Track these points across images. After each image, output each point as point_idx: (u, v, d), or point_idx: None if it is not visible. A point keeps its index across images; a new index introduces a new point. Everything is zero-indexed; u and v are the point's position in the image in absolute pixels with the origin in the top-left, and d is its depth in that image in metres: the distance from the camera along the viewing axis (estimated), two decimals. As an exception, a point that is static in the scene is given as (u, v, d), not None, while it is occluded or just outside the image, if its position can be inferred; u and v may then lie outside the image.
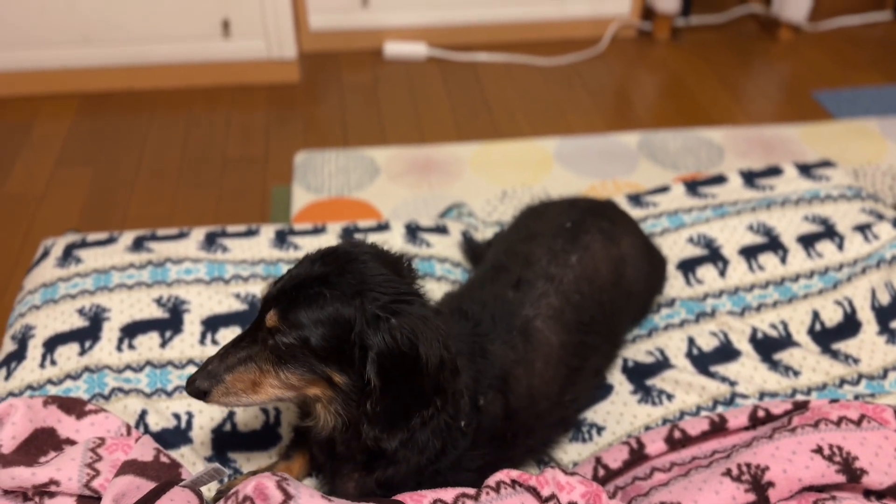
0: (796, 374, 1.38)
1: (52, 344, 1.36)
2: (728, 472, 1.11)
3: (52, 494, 1.07)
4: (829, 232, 1.64)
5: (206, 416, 1.28)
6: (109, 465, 1.07)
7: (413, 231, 1.67)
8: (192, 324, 1.40)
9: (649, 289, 1.48)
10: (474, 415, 1.13)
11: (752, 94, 2.88)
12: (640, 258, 1.43)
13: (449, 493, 1.03)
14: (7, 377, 1.33)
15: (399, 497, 1.01)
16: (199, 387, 1.01)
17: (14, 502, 1.10)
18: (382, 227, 1.69)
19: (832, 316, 1.47)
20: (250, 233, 1.64)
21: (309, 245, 1.60)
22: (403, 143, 2.54)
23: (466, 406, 1.11)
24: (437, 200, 2.24)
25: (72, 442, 1.18)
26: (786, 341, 1.43)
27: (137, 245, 1.57)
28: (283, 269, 1.53)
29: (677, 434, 1.23)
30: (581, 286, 1.32)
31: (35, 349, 1.36)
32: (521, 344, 1.24)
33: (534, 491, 1.05)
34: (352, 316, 0.96)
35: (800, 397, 1.34)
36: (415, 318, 0.97)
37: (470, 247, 1.68)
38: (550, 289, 1.30)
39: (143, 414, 1.27)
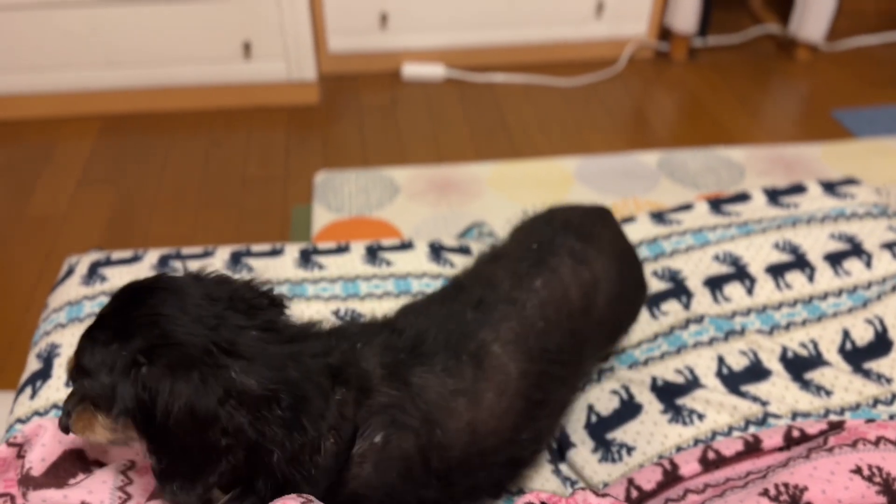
0: (828, 393, 1.35)
1: (77, 362, 1.36)
2: (765, 493, 1.09)
3: None
4: (856, 250, 1.62)
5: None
6: (141, 489, 1.06)
7: (437, 250, 1.67)
8: (217, 342, 1.39)
9: (618, 318, 1.38)
10: (334, 458, 0.95)
11: (772, 114, 2.88)
12: (613, 283, 1.32)
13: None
14: (33, 396, 1.33)
15: None
16: (61, 422, 0.98)
17: None
18: (406, 245, 1.69)
19: (863, 335, 1.45)
20: (275, 252, 1.64)
21: (333, 264, 1.60)
22: (422, 162, 2.55)
23: (327, 448, 0.93)
24: (457, 219, 2.24)
25: (100, 464, 1.18)
26: (816, 360, 1.41)
27: (162, 264, 1.57)
28: (309, 289, 1.53)
29: (711, 455, 1.21)
30: (546, 312, 1.20)
31: (60, 368, 1.36)
32: (470, 371, 1.09)
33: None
34: (116, 360, 0.85)
35: (833, 417, 1.31)
36: (173, 364, 0.82)
37: None
38: (512, 312, 1.17)
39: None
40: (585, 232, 1.35)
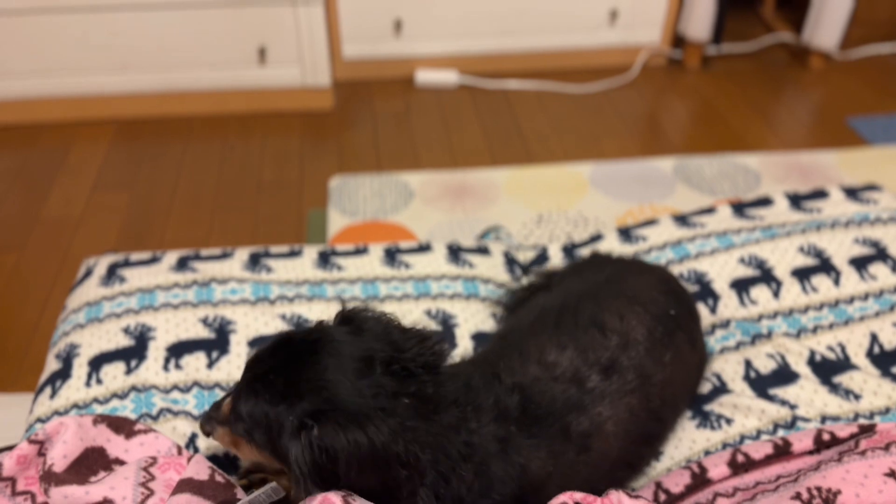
0: (857, 397, 1.34)
1: (97, 363, 1.35)
2: (798, 496, 1.07)
3: None
4: (881, 255, 1.60)
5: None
6: (163, 485, 1.05)
7: (455, 252, 1.66)
8: (238, 345, 1.38)
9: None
10: None
11: (786, 121, 2.87)
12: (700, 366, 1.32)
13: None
14: (53, 395, 1.32)
15: None
16: (204, 429, 1.06)
17: None
18: (424, 248, 1.68)
19: (891, 339, 1.43)
20: (293, 254, 1.63)
21: (352, 266, 1.59)
22: (437, 168, 2.54)
23: None
24: (473, 224, 2.23)
25: (121, 462, 1.16)
26: (845, 364, 1.39)
27: (181, 265, 1.56)
28: (328, 290, 1.52)
29: (740, 458, 1.19)
30: (665, 392, 1.18)
31: (80, 368, 1.35)
32: (573, 453, 1.07)
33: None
34: (281, 419, 0.91)
35: (863, 421, 1.29)
36: (341, 422, 0.86)
37: (513, 297, 1.53)
38: (638, 387, 1.13)
39: (193, 437, 1.24)
40: (693, 311, 1.34)
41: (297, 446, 0.87)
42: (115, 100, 2.77)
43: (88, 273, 1.60)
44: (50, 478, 1.06)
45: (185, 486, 1.02)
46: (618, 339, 1.18)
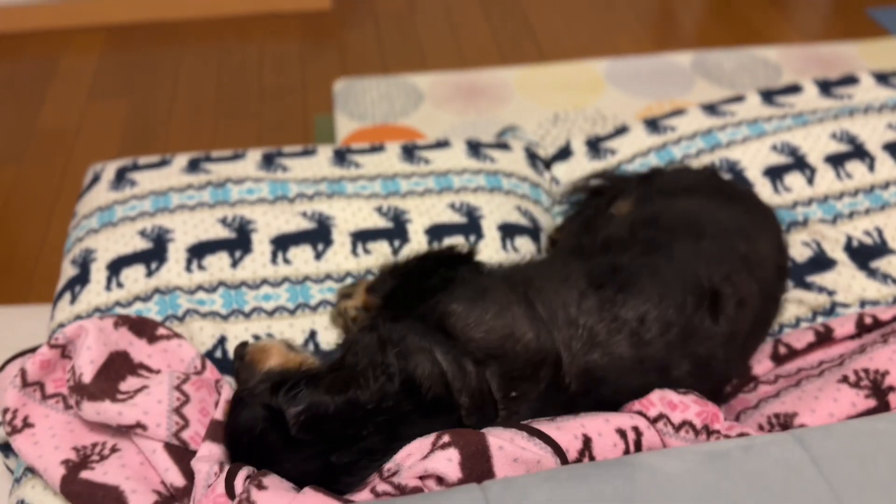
0: (895, 282, 1.31)
1: (116, 266, 1.31)
2: (845, 379, 1.05)
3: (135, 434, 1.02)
4: (915, 139, 1.55)
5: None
6: (197, 411, 1.02)
7: (475, 147, 1.60)
8: (261, 243, 1.34)
9: None
10: None
11: (804, 12, 2.76)
12: None
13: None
14: (73, 301, 1.28)
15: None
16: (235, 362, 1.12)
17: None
18: (442, 144, 1.61)
19: (929, 223, 1.40)
20: (307, 153, 1.57)
21: (370, 163, 1.53)
22: (445, 69, 2.45)
23: None
24: (487, 125, 2.16)
25: (146, 367, 1.13)
26: (882, 249, 1.36)
27: (193, 166, 1.50)
28: (348, 187, 1.47)
29: (782, 350, 1.17)
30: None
31: (99, 272, 1.31)
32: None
33: (640, 414, 0.99)
34: None
35: (902, 305, 1.27)
36: None
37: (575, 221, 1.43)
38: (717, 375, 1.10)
39: (223, 340, 1.22)
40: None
41: None
42: (103, 4, 2.63)
43: (96, 179, 1.54)
44: (81, 391, 1.03)
45: (219, 430, 1.00)
46: (727, 329, 1.07)
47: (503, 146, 1.63)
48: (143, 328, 1.17)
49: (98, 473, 0.99)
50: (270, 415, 0.93)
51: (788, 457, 0.68)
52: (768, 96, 1.69)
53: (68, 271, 1.36)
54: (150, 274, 1.29)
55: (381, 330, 1.01)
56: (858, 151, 1.52)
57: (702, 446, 0.73)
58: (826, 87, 1.73)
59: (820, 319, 1.26)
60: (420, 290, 1.11)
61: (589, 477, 0.67)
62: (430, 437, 0.90)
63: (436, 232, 1.39)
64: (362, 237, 1.37)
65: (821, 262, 1.34)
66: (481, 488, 0.69)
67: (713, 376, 1.09)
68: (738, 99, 1.69)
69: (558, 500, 0.64)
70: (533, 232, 1.43)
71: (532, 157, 1.63)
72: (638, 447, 0.95)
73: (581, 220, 1.42)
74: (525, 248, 1.39)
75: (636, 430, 0.96)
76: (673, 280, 1.07)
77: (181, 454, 1.01)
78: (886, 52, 2.45)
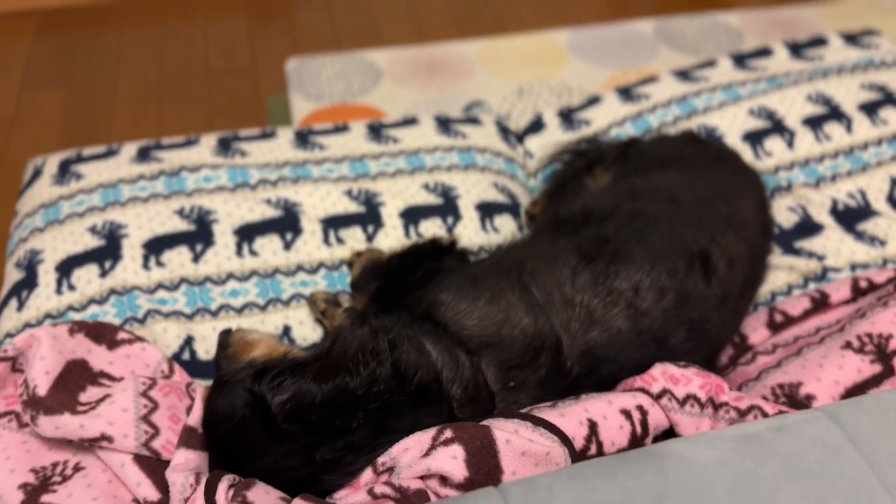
0: (882, 243, 1.29)
1: (66, 267, 1.20)
2: (848, 345, 1.02)
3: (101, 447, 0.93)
4: (889, 99, 1.53)
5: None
6: (168, 419, 0.93)
7: (444, 123, 1.52)
8: (223, 235, 1.25)
9: None
10: None
11: (761, -25, 2.73)
12: None
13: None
14: (20, 307, 1.17)
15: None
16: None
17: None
18: (410, 121, 1.54)
19: (910, 182, 1.38)
20: (266, 135, 1.47)
21: (335, 144, 1.45)
22: (402, 43, 2.35)
23: None
24: (450, 101, 2.08)
25: (107, 375, 1.04)
26: (866, 210, 1.34)
27: (143, 155, 1.40)
28: (313, 170, 1.38)
29: (778, 317, 1.14)
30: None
31: (47, 275, 1.20)
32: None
33: (642, 391, 0.94)
34: None
35: (892, 266, 1.25)
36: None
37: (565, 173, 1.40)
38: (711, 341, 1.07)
39: (189, 341, 1.12)
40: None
41: None
42: (31, -13, 2.46)
43: (37, 173, 1.42)
44: (37, 405, 0.93)
45: (193, 436, 0.91)
46: (719, 291, 1.04)
47: (473, 121, 1.56)
48: (102, 333, 1.07)
49: (61, 496, 0.90)
50: (253, 401, 0.85)
51: (824, 436, 0.64)
52: (740, 60, 1.65)
53: (12, 275, 1.24)
54: (104, 274, 1.19)
55: (372, 323, 0.94)
56: (835, 113, 1.50)
57: (731, 430, 0.68)
58: (796, 49, 1.70)
59: (812, 286, 1.23)
60: (406, 285, 1.04)
61: (617, 473, 0.62)
62: (430, 432, 0.83)
63: (411, 214, 1.31)
64: (333, 224, 1.29)
65: (808, 226, 1.31)
66: (500, 491, 0.62)
67: (709, 342, 1.07)
68: (710, 64, 1.65)
69: (587, 501, 0.58)
70: (512, 209, 1.36)
71: (504, 130, 1.56)
72: (644, 426, 0.90)
73: (555, 187, 1.37)
74: (506, 227, 1.32)
75: (640, 409, 0.91)
76: (662, 245, 1.03)
77: (153, 466, 0.92)
78: (845, 15, 2.45)
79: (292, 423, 0.84)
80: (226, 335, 1.03)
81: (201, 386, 1.01)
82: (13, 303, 1.19)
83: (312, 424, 0.84)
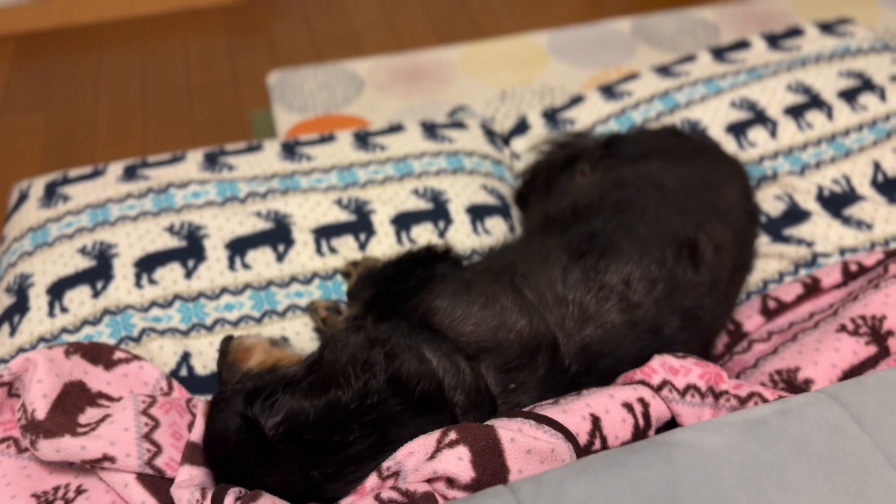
0: (869, 227, 1.30)
1: (57, 290, 1.19)
2: (843, 328, 1.03)
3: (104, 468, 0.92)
4: (867, 85, 1.55)
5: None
6: (170, 436, 0.92)
7: (430, 129, 1.53)
8: (215, 249, 1.24)
9: None
10: None
11: (733, -30, 2.76)
12: None
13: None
14: (12, 333, 1.16)
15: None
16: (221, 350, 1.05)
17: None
18: (396, 128, 1.54)
19: (893, 165, 1.40)
20: (252, 149, 1.47)
21: (322, 154, 1.45)
22: (382, 52, 2.36)
23: None
24: (434, 107, 2.08)
25: (105, 395, 1.03)
26: (852, 196, 1.35)
27: (130, 174, 1.39)
28: (302, 181, 1.38)
29: (771, 304, 1.15)
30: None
31: (38, 298, 1.19)
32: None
33: (643, 383, 0.95)
34: None
35: (879, 248, 1.27)
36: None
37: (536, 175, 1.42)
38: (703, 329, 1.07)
39: (186, 357, 1.12)
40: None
41: None
42: (8, 12, 2.44)
43: (23, 197, 1.41)
44: (36, 428, 0.92)
45: (196, 452, 0.91)
46: (708, 277, 1.04)
47: (459, 125, 1.56)
48: (98, 354, 1.06)
49: (64, 520, 0.90)
50: (246, 425, 0.85)
51: (828, 416, 0.64)
52: (719, 54, 1.67)
53: (3, 300, 1.23)
54: (96, 294, 1.18)
55: (369, 331, 0.94)
56: (815, 101, 1.52)
57: (736, 415, 0.69)
58: (773, 40, 1.72)
59: (803, 272, 1.24)
60: (401, 292, 1.04)
61: (626, 464, 0.62)
62: (434, 435, 0.83)
63: (402, 221, 1.31)
64: (325, 233, 1.29)
65: (795, 214, 1.33)
66: (510, 489, 0.62)
67: (703, 329, 1.07)
68: (690, 59, 1.66)
69: (598, 494, 0.58)
70: (502, 210, 1.37)
71: (490, 133, 1.57)
72: (647, 419, 0.91)
73: (542, 184, 1.38)
74: (497, 228, 1.33)
75: (642, 401, 0.92)
76: (649, 235, 1.04)
77: (157, 484, 0.91)
78: (818, 5, 2.47)
79: (288, 443, 0.84)
80: (227, 342, 1.03)
81: (201, 401, 1.00)
82: (5, 328, 1.18)
83: (308, 443, 0.84)
